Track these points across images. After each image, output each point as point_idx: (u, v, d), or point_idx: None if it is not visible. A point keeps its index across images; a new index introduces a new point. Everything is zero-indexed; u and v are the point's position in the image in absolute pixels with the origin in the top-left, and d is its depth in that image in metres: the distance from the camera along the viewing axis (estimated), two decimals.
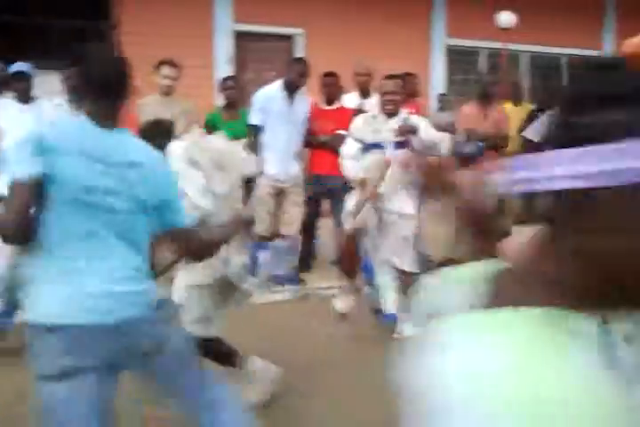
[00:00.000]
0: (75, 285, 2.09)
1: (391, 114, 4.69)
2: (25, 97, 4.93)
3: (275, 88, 5.64)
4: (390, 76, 4.75)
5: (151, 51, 7.53)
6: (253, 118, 5.56)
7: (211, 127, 5.75)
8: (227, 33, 9.08)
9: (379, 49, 9.55)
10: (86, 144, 2.12)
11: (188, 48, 7.94)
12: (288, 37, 9.82)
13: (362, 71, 6.12)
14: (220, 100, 6.81)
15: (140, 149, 2.29)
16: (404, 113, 4.74)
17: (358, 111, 5.81)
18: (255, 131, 5.57)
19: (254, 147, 5.52)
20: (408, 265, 4.66)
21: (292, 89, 5.56)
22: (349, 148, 4.78)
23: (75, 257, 2.10)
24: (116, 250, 2.16)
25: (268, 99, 5.54)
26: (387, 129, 4.65)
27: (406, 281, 4.45)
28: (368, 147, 4.66)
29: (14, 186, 2.03)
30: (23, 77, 4.89)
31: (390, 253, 4.57)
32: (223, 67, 8.85)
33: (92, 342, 2.09)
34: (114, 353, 2.15)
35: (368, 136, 4.67)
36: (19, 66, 4.93)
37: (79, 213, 2.09)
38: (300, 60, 5.95)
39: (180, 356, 2.37)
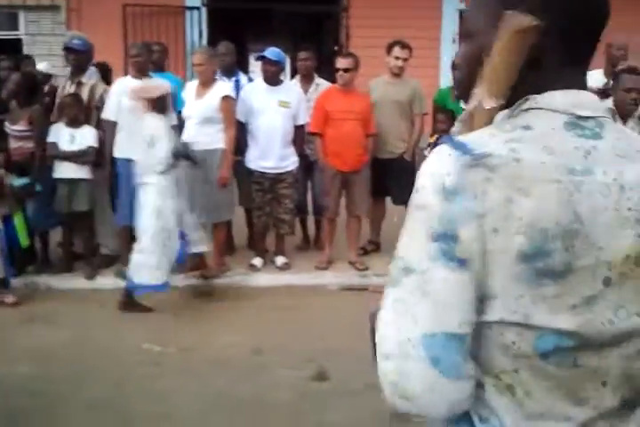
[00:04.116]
0: None
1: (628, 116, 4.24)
2: (273, 79, 5.32)
3: None
4: (631, 70, 4.29)
5: (380, 33, 7.74)
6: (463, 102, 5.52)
7: (440, 106, 5.82)
8: (453, 13, 9.03)
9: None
10: None
11: (415, 29, 8.01)
12: None
13: (619, 45, 5.53)
14: (446, 81, 6.85)
15: None
16: None
17: (602, 93, 5.32)
18: None
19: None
20: None
21: None
22: None
23: None
24: None
25: None
26: None
27: None
28: None
29: None
30: (271, 61, 5.27)
31: None
32: (449, 47, 8.83)
33: None
34: None
35: None
36: (270, 51, 5.32)
37: None
38: None
39: None
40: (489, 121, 1.00)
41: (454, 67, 5.77)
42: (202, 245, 4.87)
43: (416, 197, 0.95)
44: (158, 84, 4.86)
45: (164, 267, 4.55)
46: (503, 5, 0.97)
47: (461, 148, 0.93)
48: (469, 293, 0.91)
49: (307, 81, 5.83)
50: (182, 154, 4.67)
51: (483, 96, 0.99)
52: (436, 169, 0.93)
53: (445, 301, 0.91)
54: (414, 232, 0.94)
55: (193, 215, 4.80)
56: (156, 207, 4.53)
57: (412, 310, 0.92)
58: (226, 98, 5.15)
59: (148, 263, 4.51)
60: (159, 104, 4.61)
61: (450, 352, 0.92)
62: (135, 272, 4.54)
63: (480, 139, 0.94)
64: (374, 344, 1.07)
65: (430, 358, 0.91)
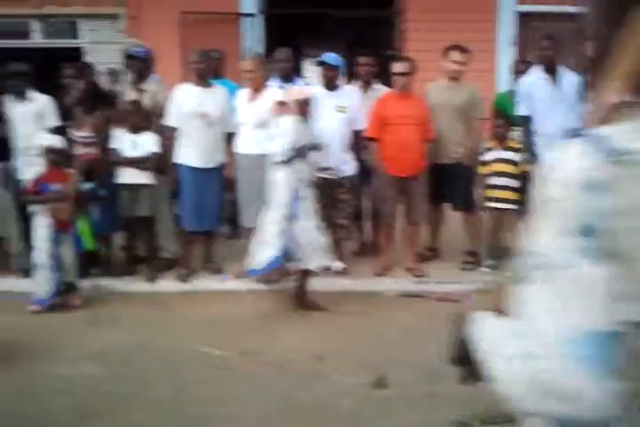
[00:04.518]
0: None
1: None
2: (331, 84, 5.33)
3: (535, 72, 5.44)
4: None
5: (435, 37, 7.69)
6: (520, 109, 5.44)
7: (500, 110, 5.74)
8: (510, 15, 8.90)
9: None
10: None
11: (471, 33, 7.94)
12: (575, 17, 9.30)
13: None
14: (503, 84, 6.75)
15: None
16: None
17: None
18: (524, 121, 5.45)
19: (527, 136, 5.42)
20: None
21: (550, 68, 5.32)
22: None
23: None
24: None
25: (530, 85, 5.37)
26: None
27: None
28: None
29: None
30: (331, 66, 5.29)
31: None
32: (506, 50, 8.70)
33: None
34: None
35: None
36: (329, 56, 5.34)
37: None
38: (549, 36, 5.60)
39: None
40: (621, 116, 0.98)
41: (516, 71, 5.65)
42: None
43: (552, 190, 0.92)
44: (304, 90, 4.99)
45: (276, 247, 4.66)
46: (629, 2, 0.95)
47: (604, 143, 0.90)
48: (618, 290, 0.87)
49: (366, 86, 5.81)
50: (301, 151, 4.73)
51: (613, 91, 0.97)
52: (578, 163, 0.91)
53: (594, 298, 0.87)
54: (552, 227, 0.91)
55: (317, 223, 4.81)
56: (279, 202, 4.63)
57: (556, 308, 0.89)
58: (278, 103, 5.20)
59: (264, 252, 4.66)
60: (302, 107, 4.74)
61: (602, 351, 0.87)
62: (253, 261, 4.73)
63: (622, 134, 0.92)
64: (458, 346, 1.07)
65: (582, 358, 0.87)
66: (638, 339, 0.90)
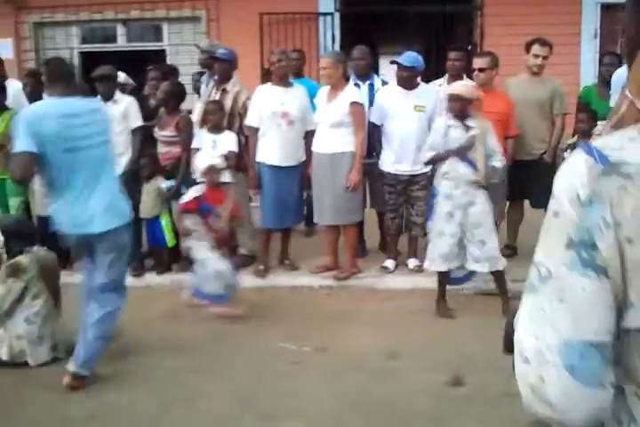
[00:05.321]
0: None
1: None
2: (409, 83, 5.27)
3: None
4: None
5: (515, 31, 7.53)
6: (613, 101, 5.25)
7: (584, 104, 5.56)
8: (594, 7, 8.61)
9: None
10: None
11: (553, 26, 7.73)
12: None
13: None
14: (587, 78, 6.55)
15: None
16: None
17: None
18: None
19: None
20: None
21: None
22: None
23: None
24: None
25: (624, 76, 5.16)
26: None
27: None
28: None
29: None
30: (405, 67, 5.21)
31: None
32: (590, 43, 8.43)
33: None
34: None
35: None
36: (404, 57, 5.27)
37: None
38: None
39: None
40: (628, 123, 0.97)
41: (603, 64, 5.47)
42: (498, 262, 4.70)
43: (552, 204, 0.95)
44: (459, 85, 4.77)
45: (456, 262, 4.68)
46: None
47: (596, 154, 0.91)
48: (608, 301, 0.91)
49: (455, 81, 5.71)
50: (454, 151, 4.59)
51: (633, 96, 0.96)
52: (571, 177, 0.93)
53: (584, 309, 0.91)
54: (552, 239, 0.95)
55: (488, 228, 4.69)
56: (444, 212, 4.60)
57: (549, 318, 0.93)
58: (354, 104, 5.18)
59: (443, 252, 4.65)
60: (456, 103, 4.56)
61: (588, 360, 0.91)
62: (429, 259, 4.77)
63: (617, 143, 0.92)
64: (509, 350, 1.08)
65: (567, 366, 0.91)
66: (624, 348, 0.93)
